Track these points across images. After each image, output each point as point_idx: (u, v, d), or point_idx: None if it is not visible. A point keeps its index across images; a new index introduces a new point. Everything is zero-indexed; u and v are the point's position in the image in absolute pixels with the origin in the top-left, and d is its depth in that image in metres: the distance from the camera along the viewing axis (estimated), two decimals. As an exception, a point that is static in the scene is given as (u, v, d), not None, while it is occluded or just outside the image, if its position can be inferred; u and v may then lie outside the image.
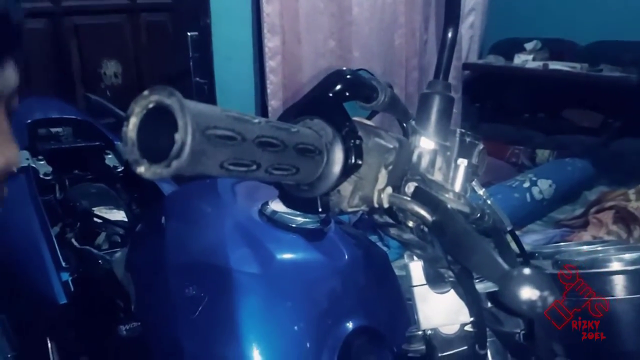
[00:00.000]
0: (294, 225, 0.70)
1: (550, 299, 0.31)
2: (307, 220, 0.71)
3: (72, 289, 1.05)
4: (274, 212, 0.72)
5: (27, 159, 1.30)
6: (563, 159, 3.22)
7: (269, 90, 2.69)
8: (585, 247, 0.56)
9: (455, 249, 0.39)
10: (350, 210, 0.44)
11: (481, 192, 0.50)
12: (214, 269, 0.66)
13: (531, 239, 2.39)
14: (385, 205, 0.44)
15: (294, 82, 2.75)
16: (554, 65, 3.55)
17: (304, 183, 0.42)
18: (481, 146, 0.50)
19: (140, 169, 0.33)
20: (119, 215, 1.28)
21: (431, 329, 0.50)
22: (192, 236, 0.74)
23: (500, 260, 0.35)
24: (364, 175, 0.43)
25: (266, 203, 0.74)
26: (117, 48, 2.28)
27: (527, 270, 0.32)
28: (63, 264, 1.07)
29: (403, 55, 3.22)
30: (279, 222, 0.71)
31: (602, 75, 3.41)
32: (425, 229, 0.44)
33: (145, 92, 0.33)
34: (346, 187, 0.44)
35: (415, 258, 0.52)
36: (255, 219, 0.72)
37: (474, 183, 0.50)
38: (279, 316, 0.63)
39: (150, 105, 0.33)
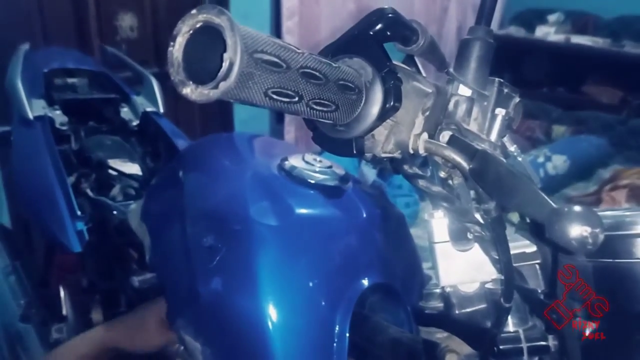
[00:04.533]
0: (312, 181, 0.70)
1: (601, 236, 0.31)
2: (326, 177, 0.71)
3: (87, 237, 1.06)
4: (293, 167, 0.71)
5: (44, 108, 1.30)
6: (579, 135, 3.18)
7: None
8: (609, 212, 0.56)
9: (498, 192, 0.39)
10: (384, 155, 0.44)
11: (512, 148, 0.49)
12: (233, 220, 0.66)
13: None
14: (421, 151, 0.43)
15: (310, 44, 2.71)
16: (576, 39, 3.47)
17: (341, 123, 0.41)
18: (518, 99, 0.48)
19: (186, 91, 0.32)
20: (134, 168, 1.28)
21: (450, 286, 0.50)
22: (210, 188, 0.73)
23: (547, 198, 0.34)
24: (400, 120, 0.42)
25: (285, 158, 0.74)
26: (133, 1, 2.25)
27: (577, 207, 0.32)
28: (78, 212, 1.07)
29: (422, 21, 3.16)
30: (297, 177, 0.70)
31: (624, 51, 3.33)
32: (454, 182, 0.44)
33: (194, 11, 0.32)
34: (381, 132, 0.43)
35: (436, 216, 0.51)
36: (274, 173, 0.72)
37: (505, 138, 0.48)
38: (295, 270, 0.63)
39: (198, 25, 0.32)
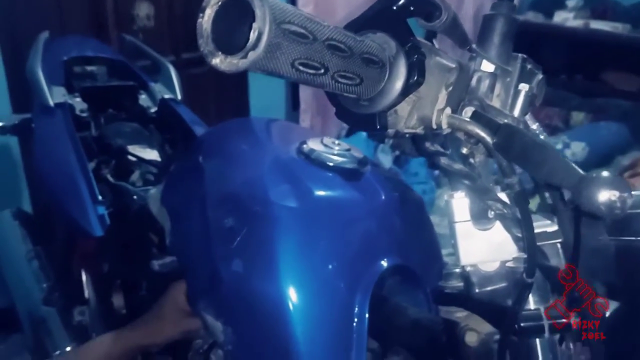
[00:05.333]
0: (331, 164, 0.70)
1: (629, 201, 0.31)
2: (344, 159, 0.71)
3: (108, 222, 1.08)
4: (312, 150, 0.72)
5: (64, 95, 1.31)
6: (598, 122, 3.14)
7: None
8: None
9: (524, 163, 0.39)
10: (407, 131, 0.44)
11: (534, 126, 0.49)
12: (253, 202, 0.67)
13: (561, 200, 2.36)
14: (444, 126, 0.44)
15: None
16: (595, 25, 3.41)
17: (365, 98, 0.41)
18: (541, 76, 0.48)
19: (215, 61, 0.33)
20: (153, 155, 1.29)
21: (471, 266, 0.50)
22: (230, 171, 0.74)
23: (575, 166, 0.34)
24: (423, 95, 0.43)
25: (304, 142, 0.74)
26: (149, -11, 2.26)
27: (604, 173, 0.32)
28: (99, 197, 1.09)
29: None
30: (316, 160, 0.71)
31: (644, 37, 3.27)
32: (475, 160, 0.44)
33: (222, -17, 0.33)
34: (404, 107, 0.43)
35: (456, 196, 0.51)
36: (293, 156, 0.73)
37: (527, 117, 0.48)
38: (314, 251, 0.64)
39: None
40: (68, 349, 1.20)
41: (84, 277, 1.24)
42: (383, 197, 0.69)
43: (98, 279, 1.23)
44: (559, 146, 2.76)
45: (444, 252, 0.76)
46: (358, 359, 0.60)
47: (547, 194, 0.48)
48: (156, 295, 1.17)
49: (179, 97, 1.45)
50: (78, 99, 1.33)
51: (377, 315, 0.62)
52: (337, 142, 0.74)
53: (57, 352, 1.19)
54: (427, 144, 0.47)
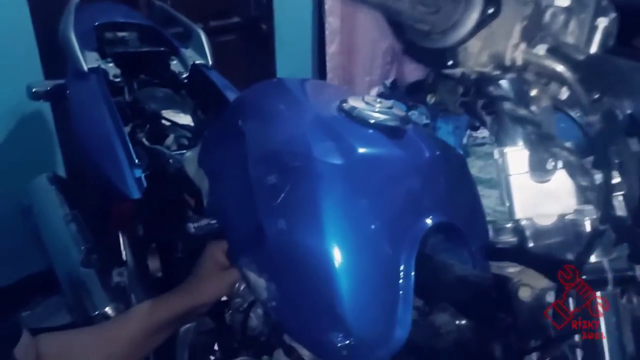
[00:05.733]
0: (373, 122, 0.69)
1: None
2: (386, 117, 0.70)
3: (145, 185, 1.09)
4: (353, 107, 0.71)
5: (97, 60, 1.32)
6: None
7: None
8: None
9: (614, 92, 0.37)
10: (477, 68, 0.43)
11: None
12: (296, 158, 0.66)
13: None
14: (519, 62, 0.42)
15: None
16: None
17: (438, 30, 0.40)
18: (614, 14, 0.46)
19: None
20: (186, 119, 1.29)
21: (526, 219, 0.49)
22: (271, 130, 0.74)
23: None
24: (497, 29, 0.41)
25: (345, 100, 0.73)
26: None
27: None
28: (136, 160, 1.10)
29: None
30: (358, 117, 0.70)
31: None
32: (540, 105, 0.42)
33: None
34: (475, 44, 0.41)
35: (511, 149, 0.50)
36: (335, 114, 0.72)
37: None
38: (359, 208, 0.63)
39: None
40: (107, 309, 1.23)
41: (121, 239, 1.26)
42: (427, 155, 0.68)
43: (135, 241, 1.24)
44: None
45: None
46: (404, 316, 0.60)
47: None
48: (192, 257, 1.19)
49: (210, 62, 1.45)
50: (111, 65, 1.33)
51: (422, 273, 0.62)
52: (378, 100, 0.73)
53: (97, 312, 1.22)
54: (491, 88, 0.45)
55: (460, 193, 0.71)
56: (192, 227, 1.13)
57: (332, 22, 2.69)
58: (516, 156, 0.48)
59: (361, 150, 0.65)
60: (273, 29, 2.49)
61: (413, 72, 2.95)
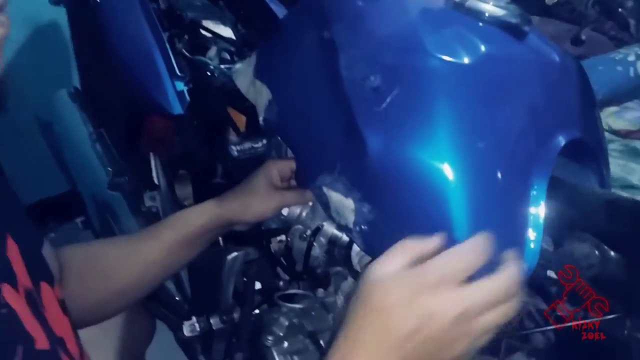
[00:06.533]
0: (488, 16, 0.58)
1: None
2: (505, 12, 0.59)
3: (188, 99, 0.98)
4: (465, -1, 0.59)
5: (128, -38, 1.18)
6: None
7: None
8: None
9: None
10: None
11: None
12: (408, 54, 0.55)
13: (633, 115, 2.21)
14: None
15: None
16: None
17: None
18: None
19: None
20: (227, 32, 1.17)
21: None
22: (367, 25, 0.62)
23: None
24: None
25: None
26: None
27: None
28: (177, 72, 0.99)
29: None
30: (472, 10, 0.58)
31: None
32: None
33: None
34: None
35: None
36: (442, 6, 0.60)
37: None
38: (485, 119, 0.53)
39: None
40: (137, 235, 1.14)
41: (153, 161, 1.16)
42: (557, 60, 0.58)
43: (170, 163, 1.15)
44: (631, 58, 2.55)
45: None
46: (532, 245, 0.51)
47: None
48: (232, 184, 1.10)
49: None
50: (143, -33, 1.19)
51: (555, 198, 0.53)
52: None
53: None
54: None
55: (587, 106, 0.61)
56: (234, 149, 1.04)
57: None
58: None
59: (485, 48, 0.55)
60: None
61: None
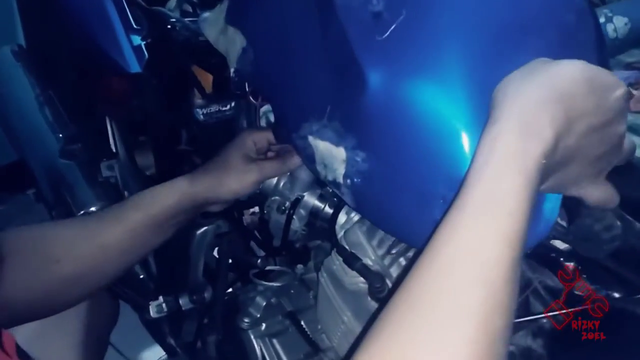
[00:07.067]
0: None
1: None
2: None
3: (146, 55, 0.87)
4: None
5: None
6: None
7: None
8: None
9: None
10: None
11: None
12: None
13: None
14: None
15: None
16: None
17: None
18: None
19: None
20: (188, -19, 1.05)
21: None
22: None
23: None
24: None
25: None
26: None
27: None
28: (133, 24, 0.87)
29: None
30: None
31: None
32: None
33: None
34: None
35: None
36: None
37: None
38: (506, 52, 0.44)
39: None
40: (94, 208, 1.04)
41: (109, 126, 1.05)
42: None
43: (128, 128, 1.04)
44: (602, 20, 2.52)
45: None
46: (550, 207, 0.44)
47: None
48: (198, 150, 1.01)
49: None
50: None
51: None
52: None
53: (82, 212, 1.03)
54: None
55: (602, 46, 0.54)
56: (200, 113, 0.94)
57: None
58: None
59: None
60: None
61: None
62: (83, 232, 0.67)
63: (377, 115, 0.47)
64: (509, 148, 0.36)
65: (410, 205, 0.47)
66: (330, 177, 0.55)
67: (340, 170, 0.52)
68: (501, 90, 0.40)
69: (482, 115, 0.42)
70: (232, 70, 0.72)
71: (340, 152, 0.52)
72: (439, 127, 0.44)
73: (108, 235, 0.66)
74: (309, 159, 0.57)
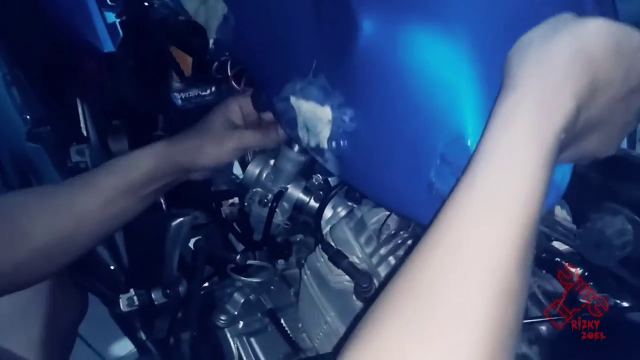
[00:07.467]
0: None
1: None
2: None
3: (121, 34, 0.82)
4: None
5: None
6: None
7: None
8: None
9: None
10: None
11: None
12: None
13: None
14: None
15: None
16: None
17: None
18: None
19: None
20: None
21: None
22: None
23: None
24: None
25: None
26: None
27: None
28: (108, 0, 0.82)
29: None
30: None
31: None
32: None
33: None
34: None
35: None
36: None
37: None
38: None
39: None
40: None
41: (80, 109, 0.99)
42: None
43: (101, 112, 0.98)
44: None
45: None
46: (561, 173, 0.41)
47: None
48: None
49: None
50: None
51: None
52: None
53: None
54: None
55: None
56: (179, 97, 0.90)
57: None
58: None
59: None
60: None
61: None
62: (53, 201, 0.62)
63: (369, 66, 0.42)
64: (527, 124, 0.32)
65: (404, 168, 0.43)
66: (313, 143, 0.51)
67: (325, 133, 0.48)
68: (519, 53, 0.36)
69: (491, 65, 0.38)
70: (211, 42, 0.68)
71: (325, 112, 0.47)
72: (440, 78, 0.39)
73: (82, 204, 0.62)
74: (291, 124, 0.53)
